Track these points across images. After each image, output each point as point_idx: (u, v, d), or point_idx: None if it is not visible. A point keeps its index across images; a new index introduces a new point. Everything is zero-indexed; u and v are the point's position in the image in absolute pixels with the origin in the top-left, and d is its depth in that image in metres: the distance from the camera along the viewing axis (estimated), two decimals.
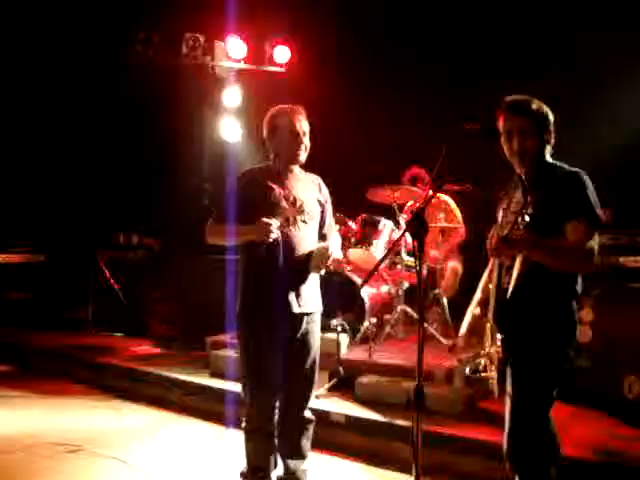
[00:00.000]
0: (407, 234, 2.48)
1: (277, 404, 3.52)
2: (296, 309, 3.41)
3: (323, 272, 3.53)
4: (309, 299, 3.50)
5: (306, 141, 3.51)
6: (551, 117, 2.80)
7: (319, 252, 3.42)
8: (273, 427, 3.51)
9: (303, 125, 3.50)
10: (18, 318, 7.46)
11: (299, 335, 3.48)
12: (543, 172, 2.77)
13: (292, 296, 3.39)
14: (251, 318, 3.44)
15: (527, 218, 2.51)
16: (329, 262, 3.43)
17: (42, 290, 7.80)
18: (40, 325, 7.48)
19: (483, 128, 2.68)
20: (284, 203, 3.41)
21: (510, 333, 2.72)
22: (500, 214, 2.90)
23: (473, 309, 2.97)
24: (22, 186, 8.40)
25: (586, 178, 2.68)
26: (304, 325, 3.48)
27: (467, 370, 3.01)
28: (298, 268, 3.41)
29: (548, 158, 2.82)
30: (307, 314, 3.49)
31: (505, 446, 2.77)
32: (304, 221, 3.45)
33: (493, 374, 2.77)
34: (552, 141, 2.82)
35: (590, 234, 2.60)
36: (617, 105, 5.77)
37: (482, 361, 2.84)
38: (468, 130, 2.64)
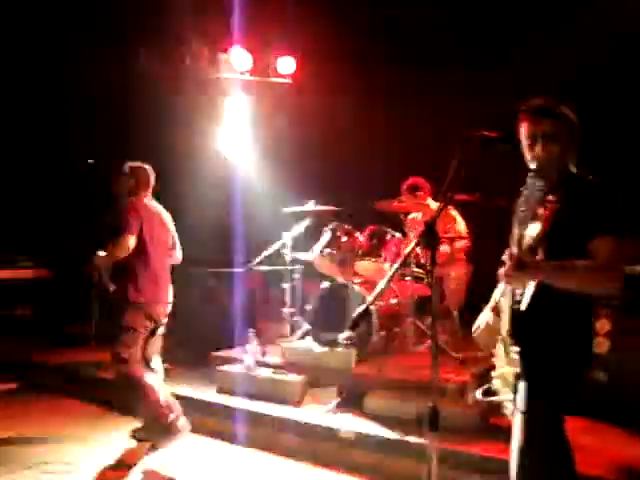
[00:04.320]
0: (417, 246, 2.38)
1: None
2: None
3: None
4: None
5: None
6: (577, 123, 2.67)
7: None
8: None
9: None
10: (22, 333, 7.40)
11: None
12: (566, 182, 2.62)
13: None
14: None
15: (538, 231, 2.38)
16: None
17: (46, 305, 7.74)
18: (43, 340, 7.42)
19: (500, 136, 2.57)
20: None
21: (525, 346, 2.61)
22: (515, 230, 2.71)
23: (486, 316, 2.87)
24: (26, 202, 8.37)
25: (614, 191, 2.53)
26: None
27: (478, 394, 2.87)
28: None
29: (572, 168, 2.69)
30: None
31: (514, 464, 2.66)
32: None
33: (507, 396, 2.66)
34: (576, 149, 2.69)
35: (620, 252, 2.46)
36: None
37: (495, 382, 2.74)
38: (482, 138, 2.55)
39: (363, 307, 2.35)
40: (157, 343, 4.97)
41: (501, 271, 2.58)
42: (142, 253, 4.70)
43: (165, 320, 4.90)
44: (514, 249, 2.56)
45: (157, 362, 4.97)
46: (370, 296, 2.57)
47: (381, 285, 2.39)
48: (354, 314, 2.36)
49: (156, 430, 4.66)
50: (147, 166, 4.98)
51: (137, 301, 4.68)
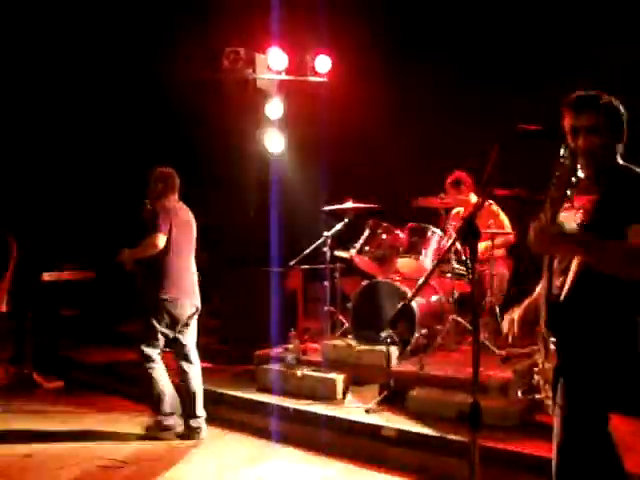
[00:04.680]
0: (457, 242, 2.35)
1: None
2: None
3: None
4: None
5: None
6: (622, 113, 2.62)
7: None
8: None
9: None
10: (69, 333, 7.56)
11: None
12: (611, 174, 2.58)
13: None
14: None
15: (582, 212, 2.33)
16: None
17: (92, 306, 7.89)
18: (90, 340, 7.57)
19: (539, 129, 2.53)
20: None
21: (563, 338, 2.54)
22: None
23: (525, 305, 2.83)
24: (71, 206, 8.54)
25: None
26: None
27: (519, 392, 2.83)
28: None
29: (619, 159, 2.63)
30: None
31: (554, 462, 2.61)
32: None
33: (548, 393, 2.61)
34: (623, 140, 2.63)
35: None
36: None
37: (536, 378, 2.69)
38: (522, 132, 2.51)
39: (402, 305, 2.34)
40: (192, 337, 5.09)
41: (532, 230, 2.53)
42: (167, 253, 4.89)
43: (190, 318, 5.03)
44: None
45: (195, 356, 5.11)
46: (409, 293, 2.55)
47: (420, 282, 2.37)
48: (393, 312, 2.34)
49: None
50: (172, 169, 5.20)
51: (160, 299, 4.84)
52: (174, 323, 4.93)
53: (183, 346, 5.05)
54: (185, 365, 5.05)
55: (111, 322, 7.92)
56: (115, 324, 7.89)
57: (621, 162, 2.63)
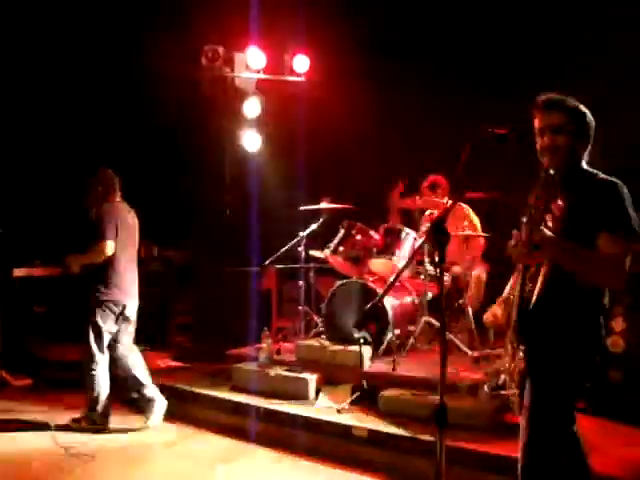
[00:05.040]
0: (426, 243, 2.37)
1: None
2: None
3: None
4: None
5: None
6: (589, 119, 2.68)
7: None
8: None
9: None
10: (39, 330, 7.46)
11: None
12: (576, 176, 2.64)
13: None
14: None
15: (552, 218, 2.38)
16: None
17: (63, 303, 7.79)
18: (59, 337, 7.47)
19: (507, 132, 2.56)
20: None
21: (532, 344, 2.61)
22: (524, 218, 2.69)
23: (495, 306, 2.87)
24: (43, 201, 8.43)
25: (625, 190, 2.53)
26: None
27: (486, 387, 2.89)
28: None
29: (584, 164, 2.69)
30: None
31: (520, 463, 2.65)
32: None
33: (513, 391, 2.66)
34: (588, 145, 2.69)
35: (627, 250, 2.47)
36: None
37: (502, 377, 2.74)
38: (491, 135, 2.54)
39: (369, 306, 2.35)
40: (131, 334, 5.25)
41: (511, 243, 2.58)
42: (113, 256, 5.02)
43: (133, 316, 5.18)
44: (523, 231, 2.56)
45: (135, 351, 5.28)
46: (383, 296, 2.57)
47: (388, 283, 2.39)
48: (362, 312, 2.35)
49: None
50: (110, 171, 5.31)
51: (104, 300, 4.99)
52: (118, 322, 5.08)
53: (125, 337, 5.19)
54: (125, 351, 5.18)
55: (80, 319, 7.81)
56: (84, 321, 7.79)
57: (586, 167, 2.68)
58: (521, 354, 2.59)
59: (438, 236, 2.27)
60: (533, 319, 2.59)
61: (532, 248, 2.49)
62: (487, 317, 2.91)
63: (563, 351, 2.56)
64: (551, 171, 2.59)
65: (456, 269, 5.82)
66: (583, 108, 2.68)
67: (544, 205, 2.53)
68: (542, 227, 2.47)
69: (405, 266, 2.43)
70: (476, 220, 6.01)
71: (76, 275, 5.11)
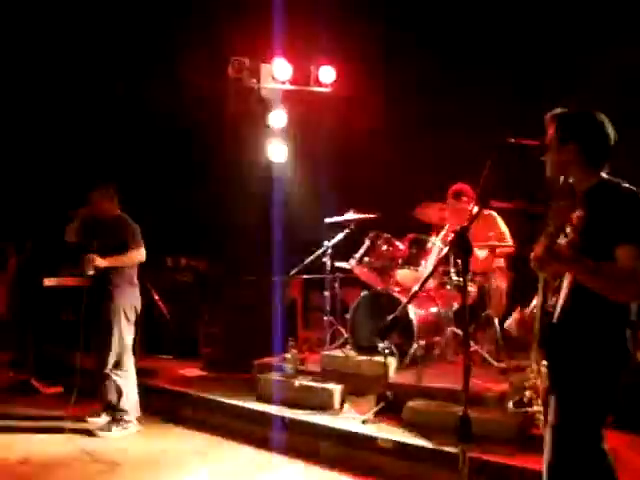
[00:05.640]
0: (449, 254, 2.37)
1: None
2: None
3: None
4: None
5: None
6: (607, 133, 2.63)
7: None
8: None
9: None
10: (67, 339, 7.55)
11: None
12: (595, 190, 2.58)
13: None
14: None
15: (570, 229, 2.36)
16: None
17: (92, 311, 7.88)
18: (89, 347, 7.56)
19: (529, 143, 2.56)
20: None
21: (556, 359, 2.56)
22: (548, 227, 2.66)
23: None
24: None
25: (636, 196, 2.48)
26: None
27: (510, 404, 2.84)
28: None
29: (603, 174, 2.63)
30: None
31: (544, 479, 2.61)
32: None
33: (538, 407, 2.62)
34: (600, 155, 2.64)
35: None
36: None
37: (527, 393, 2.70)
38: (512, 145, 2.54)
39: (392, 316, 2.35)
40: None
41: (532, 256, 2.53)
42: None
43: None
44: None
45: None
46: (407, 304, 2.57)
47: (411, 293, 2.39)
48: (384, 323, 2.35)
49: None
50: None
51: (133, 304, 5.38)
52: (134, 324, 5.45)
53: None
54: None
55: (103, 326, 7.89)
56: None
57: (606, 176, 2.64)
58: (544, 369, 2.54)
59: (461, 246, 2.27)
60: (557, 333, 2.56)
61: (550, 255, 2.44)
62: (509, 325, 2.88)
63: (588, 366, 2.51)
64: (570, 180, 2.56)
65: (482, 254, 5.74)
66: (590, 120, 2.64)
67: (564, 215, 2.51)
68: (561, 239, 2.42)
69: (428, 276, 2.42)
70: (504, 228, 5.95)
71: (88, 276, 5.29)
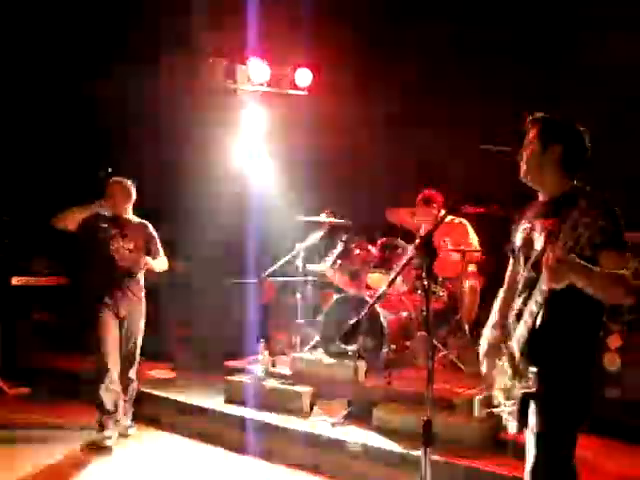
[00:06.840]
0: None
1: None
2: None
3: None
4: None
5: None
6: (574, 134, 2.67)
7: None
8: None
9: None
10: (39, 339, 7.46)
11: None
12: (568, 196, 2.58)
13: None
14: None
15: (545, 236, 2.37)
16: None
17: (63, 312, 7.80)
18: (60, 347, 7.47)
19: (499, 149, 2.58)
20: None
21: (542, 365, 2.53)
22: (534, 237, 2.67)
23: (489, 334, 2.85)
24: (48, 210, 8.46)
25: (611, 203, 2.50)
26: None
27: (477, 403, 2.84)
28: None
29: (574, 181, 2.66)
30: None
31: None
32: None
33: (508, 409, 2.62)
34: (576, 162, 2.67)
35: (622, 262, 2.42)
36: None
37: (497, 395, 2.70)
38: (485, 151, 2.56)
39: (354, 321, 2.35)
40: None
41: (549, 262, 2.41)
42: None
43: None
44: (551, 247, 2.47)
45: None
46: (379, 309, 2.56)
47: (376, 295, 2.39)
48: (346, 327, 2.35)
49: None
50: None
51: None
52: None
53: None
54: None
55: (82, 328, 7.82)
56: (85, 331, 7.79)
57: (578, 184, 2.66)
58: (530, 375, 2.53)
59: (425, 252, 2.27)
60: (541, 340, 2.54)
61: (564, 265, 2.41)
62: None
63: (572, 371, 2.53)
64: (542, 196, 2.58)
65: (454, 258, 5.78)
66: (570, 126, 2.67)
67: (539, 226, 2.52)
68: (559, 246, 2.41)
69: (392, 280, 2.42)
70: (472, 233, 6.00)
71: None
